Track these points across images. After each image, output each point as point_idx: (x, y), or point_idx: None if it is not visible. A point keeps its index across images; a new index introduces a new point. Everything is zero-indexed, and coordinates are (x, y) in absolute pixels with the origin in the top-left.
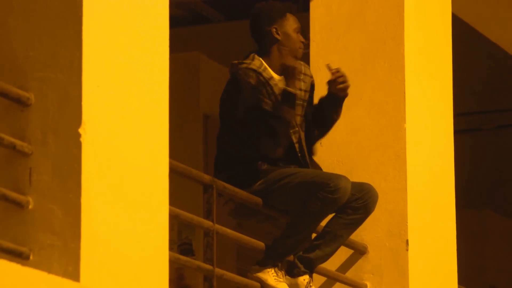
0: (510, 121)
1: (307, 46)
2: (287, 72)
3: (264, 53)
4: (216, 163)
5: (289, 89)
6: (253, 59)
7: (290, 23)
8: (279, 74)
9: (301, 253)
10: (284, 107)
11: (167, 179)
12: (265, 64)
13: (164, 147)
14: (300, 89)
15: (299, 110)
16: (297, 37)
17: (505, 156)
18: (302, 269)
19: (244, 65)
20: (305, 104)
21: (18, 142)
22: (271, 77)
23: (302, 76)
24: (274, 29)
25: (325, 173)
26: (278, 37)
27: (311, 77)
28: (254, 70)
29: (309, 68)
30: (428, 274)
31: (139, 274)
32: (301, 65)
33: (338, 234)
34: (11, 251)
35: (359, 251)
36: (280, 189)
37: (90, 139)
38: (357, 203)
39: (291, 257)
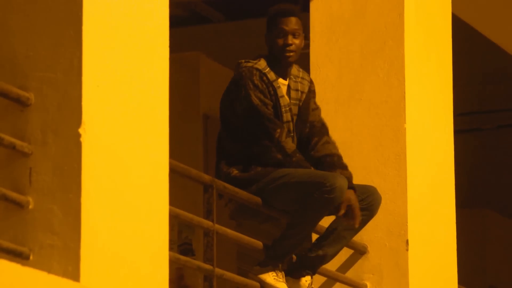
0: (510, 121)
1: (306, 45)
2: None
3: (269, 57)
4: (216, 163)
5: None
6: (259, 60)
7: (276, 28)
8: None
9: (303, 253)
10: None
11: (167, 179)
12: (269, 68)
13: (164, 147)
14: (297, 90)
15: (294, 110)
16: (279, 42)
17: (505, 156)
18: (305, 269)
19: (250, 64)
20: (300, 103)
21: (18, 142)
22: (275, 80)
23: (299, 79)
24: (266, 37)
25: (321, 173)
26: (268, 44)
27: (310, 81)
28: (258, 70)
29: (308, 75)
30: (428, 274)
31: (139, 274)
32: (299, 71)
33: (341, 235)
34: (11, 251)
35: (359, 251)
36: (277, 189)
37: (90, 139)
38: (361, 204)
39: (293, 258)
